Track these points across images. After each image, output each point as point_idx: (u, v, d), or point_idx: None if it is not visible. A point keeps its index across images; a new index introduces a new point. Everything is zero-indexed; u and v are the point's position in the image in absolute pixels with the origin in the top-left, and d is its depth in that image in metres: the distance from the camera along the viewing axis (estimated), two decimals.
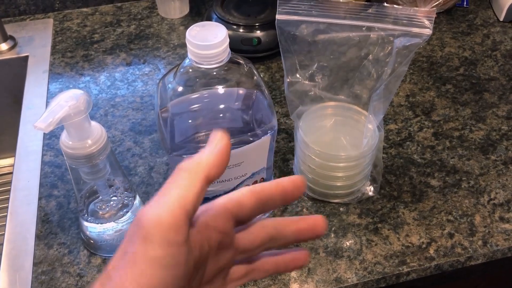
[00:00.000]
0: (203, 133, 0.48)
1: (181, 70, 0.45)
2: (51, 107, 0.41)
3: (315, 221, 0.30)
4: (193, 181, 0.25)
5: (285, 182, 0.28)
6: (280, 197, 0.28)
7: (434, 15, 0.47)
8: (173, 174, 0.26)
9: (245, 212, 0.27)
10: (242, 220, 0.28)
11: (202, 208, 0.27)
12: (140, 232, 0.24)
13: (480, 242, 0.53)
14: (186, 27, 0.82)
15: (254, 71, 0.47)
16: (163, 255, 0.23)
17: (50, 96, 0.71)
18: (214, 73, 0.44)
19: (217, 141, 0.27)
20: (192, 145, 0.47)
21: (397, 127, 0.66)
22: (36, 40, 0.80)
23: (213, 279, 0.28)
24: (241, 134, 0.47)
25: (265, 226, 0.29)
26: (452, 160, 0.62)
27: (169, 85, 0.46)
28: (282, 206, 0.28)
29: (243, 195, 0.27)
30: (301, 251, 0.31)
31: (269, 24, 0.75)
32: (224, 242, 0.27)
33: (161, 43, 0.80)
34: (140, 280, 0.23)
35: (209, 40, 0.41)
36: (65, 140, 0.44)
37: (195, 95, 0.46)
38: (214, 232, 0.26)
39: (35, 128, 0.40)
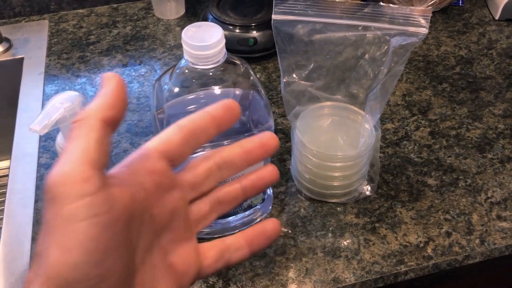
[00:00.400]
0: None
1: (177, 71, 0.45)
2: (46, 109, 0.41)
3: (262, 137, 0.28)
4: (89, 128, 0.23)
5: (214, 109, 0.27)
6: (212, 125, 0.27)
7: (430, 14, 0.47)
8: (69, 130, 0.24)
9: (175, 148, 0.26)
10: (175, 157, 0.26)
11: (130, 155, 0.26)
12: (48, 196, 0.22)
13: (477, 241, 0.53)
14: (182, 28, 0.82)
15: (251, 71, 0.47)
16: (77, 208, 0.22)
17: (46, 98, 0.71)
18: (211, 73, 0.44)
19: (107, 82, 0.25)
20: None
21: (393, 126, 0.66)
22: (31, 42, 0.80)
23: (170, 225, 0.26)
24: (238, 134, 0.47)
25: (208, 156, 0.28)
26: (449, 159, 0.62)
27: (165, 86, 0.46)
28: (220, 132, 0.28)
29: (168, 131, 0.26)
30: (266, 167, 0.29)
31: (265, 24, 0.75)
32: (163, 183, 0.26)
33: (157, 44, 0.79)
34: (64, 242, 0.21)
35: (205, 41, 0.41)
36: (61, 142, 0.44)
37: (191, 96, 0.46)
38: (145, 175, 0.25)
39: (30, 130, 0.40)
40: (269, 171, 0.29)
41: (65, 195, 0.22)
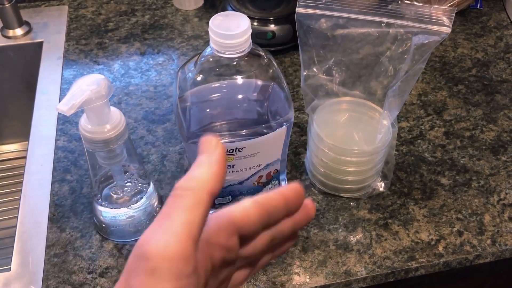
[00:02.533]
0: (219, 123, 0.48)
1: (202, 59, 0.45)
2: (72, 90, 0.42)
3: (307, 208, 0.27)
4: (198, 202, 0.22)
5: (286, 190, 0.26)
6: (283, 207, 0.26)
7: (454, 14, 0.47)
8: (174, 194, 0.23)
9: (250, 225, 0.24)
10: (248, 235, 0.25)
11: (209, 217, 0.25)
12: (145, 264, 0.21)
13: (489, 241, 0.54)
14: (200, 19, 0.83)
15: (274, 63, 0.48)
16: None
17: (64, 82, 0.72)
18: (235, 62, 0.44)
19: (213, 149, 0.24)
20: (208, 134, 0.47)
21: (408, 125, 0.66)
22: (50, 27, 0.81)
23: None
24: (256, 125, 0.48)
25: (267, 228, 0.26)
26: (463, 159, 0.62)
27: (189, 74, 0.46)
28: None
29: (248, 206, 0.24)
30: (304, 211, 0.27)
31: (284, 19, 0.75)
32: (228, 259, 0.25)
33: (175, 34, 0.80)
34: None
35: (231, 30, 0.41)
36: (84, 124, 0.44)
37: (214, 85, 0.46)
38: (217, 249, 0.24)
39: (57, 110, 0.40)
40: (305, 214, 0.28)
41: (165, 272, 0.21)
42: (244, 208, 0.24)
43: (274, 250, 0.29)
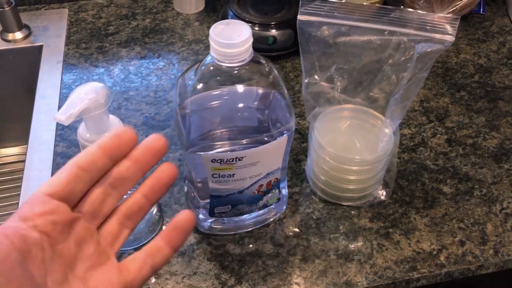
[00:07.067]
0: (219, 131, 0.48)
1: (202, 67, 0.45)
2: (71, 99, 0.41)
3: (147, 141, 0.29)
4: None
5: (104, 139, 0.28)
6: (102, 156, 0.27)
7: (458, 22, 0.47)
8: None
9: (64, 187, 0.27)
10: (68, 195, 0.27)
11: (22, 204, 0.27)
12: None
13: (491, 251, 0.53)
14: (201, 23, 0.82)
15: (274, 71, 0.47)
16: None
17: (63, 86, 0.71)
18: (235, 71, 0.44)
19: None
20: (207, 142, 0.47)
21: (410, 132, 0.66)
22: (50, 30, 0.80)
23: (80, 255, 0.27)
24: (256, 133, 0.47)
25: (100, 180, 0.28)
26: (465, 167, 0.62)
27: (189, 82, 0.46)
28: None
29: (58, 172, 0.27)
30: (161, 167, 0.29)
31: (285, 24, 0.74)
32: (58, 220, 0.26)
33: (175, 38, 0.79)
34: None
35: (232, 39, 0.41)
36: (83, 133, 0.44)
37: (214, 93, 0.46)
38: (36, 218, 0.26)
39: (55, 120, 0.40)
40: (164, 171, 0.29)
41: None
42: (56, 174, 0.27)
43: (142, 186, 0.29)
